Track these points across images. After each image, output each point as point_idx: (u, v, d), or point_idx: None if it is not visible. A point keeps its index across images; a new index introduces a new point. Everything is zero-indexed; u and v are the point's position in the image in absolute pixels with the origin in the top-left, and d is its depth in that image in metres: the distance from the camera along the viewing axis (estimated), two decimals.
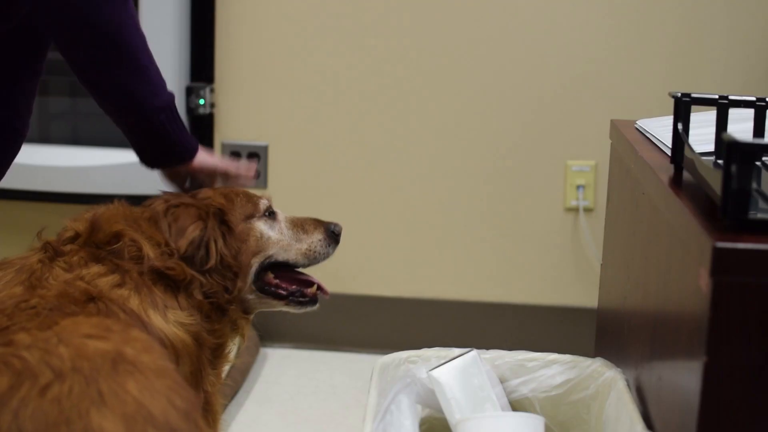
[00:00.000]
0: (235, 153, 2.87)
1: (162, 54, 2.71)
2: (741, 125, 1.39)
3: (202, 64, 2.82)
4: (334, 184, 2.85)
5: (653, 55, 2.71)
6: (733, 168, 1.05)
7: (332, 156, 2.83)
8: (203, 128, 2.85)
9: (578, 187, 2.76)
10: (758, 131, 1.38)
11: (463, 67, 2.76)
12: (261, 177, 2.87)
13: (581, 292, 2.79)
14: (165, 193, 1.59)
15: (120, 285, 1.34)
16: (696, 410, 1.07)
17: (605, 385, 1.54)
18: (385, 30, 2.76)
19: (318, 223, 1.63)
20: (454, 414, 1.54)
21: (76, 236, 1.42)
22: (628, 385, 1.48)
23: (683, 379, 1.15)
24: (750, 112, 1.40)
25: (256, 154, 2.86)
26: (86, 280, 1.32)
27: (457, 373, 1.56)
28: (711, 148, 1.38)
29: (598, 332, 1.84)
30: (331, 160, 2.83)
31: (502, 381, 1.62)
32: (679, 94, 1.37)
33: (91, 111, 2.83)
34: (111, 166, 2.76)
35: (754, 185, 1.18)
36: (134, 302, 1.33)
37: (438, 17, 2.75)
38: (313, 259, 1.61)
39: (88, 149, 2.79)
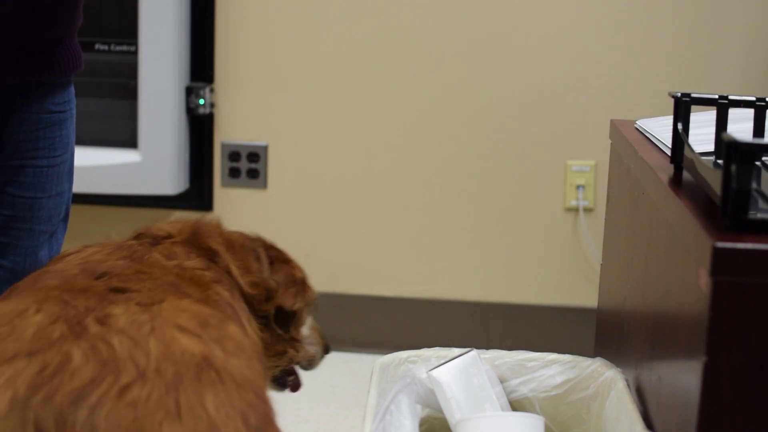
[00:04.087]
0: (234, 153, 2.87)
1: (162, 54, 2.71)
2: (741, 125, 1.39)
3: (202, 64, 2.82)
4: (334, 184, 2.85)
5: (653, 55, 2.71)
6: (733, 168, 1.05)
7: (332, 156, 2.83)
8: (203, 128, 2.85)
9: (578, 187, 2.76)
10: (758, 131, 1.38)
11: (463, 67, 2.76)
12: (261, 177, 2.87)
13: (581, 292, 2.79)
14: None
15: (217, 282, 1.34)
16: (696, 410, 1.07)
17: (605, 385, 1.54)
18: (385, 30, 2.76)
19: (321, 338, 1.69)
20: (454, 414, 1.54)
21: (170, 237, 1.41)
22: (628, 385, 1.48)
23: (683, 379, 1.15)
24: (750, 112, 1.40)
25: (256, 154, 2.86)
26: (189, 269, 1.32)
27: (457, 373, 1.56)
28: (711, 148, 1.38)
29: (598, 332, 1.84)
30: (331, 160, 2.83)
31: (501, 381, 1.62)
32: (679, 94, 1.37)
33: (91, 111, 2.83)
34: (111, 166, 2.76)
35: (754, 185, 1.18)
36: (233, 301, 1.35)
37: (438, 17, 2.75)
38: (307, 366, 1.65)
39: (88, 149, 2.79)
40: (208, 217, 1.54)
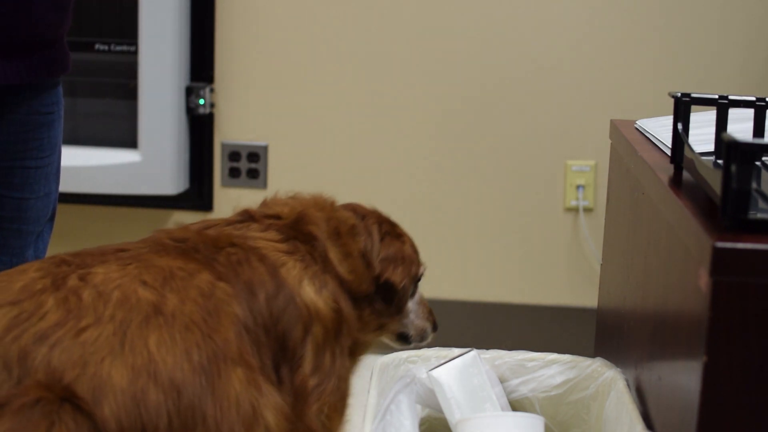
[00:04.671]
0: (234, 153, 2.87)
1: (162, 54, 2.71)
2: (741, 125, 1.39)
3: (202, 64, 2.82)
4: (334, 184, 2.85)
5: (653, 55, 2.71)
6: (733, 168, 1.05)
7: (332, 156, 2.83)
8: (203, 128, 2.85)
9: (578, 187, 2.76)
10: (758, 131, 1.38)
11: (463, 67, 2.76)
12: (261, 177, 2.87)
13: (581, 292, 2.79)
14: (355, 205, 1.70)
15: (289, 253, 1.44)
16: (696, 410, 1.07)
17: (605, 385, 1.54)
18: (385, 30, 2.77)
19: (430, 314, 1.73)
20: (453, 414, 1.54)
21: (278, 217, 1.51)
22: (628, 385, 1.48)
23: (683, 379, 1.15)
24: (750, 112, 1.40)
25: (256, 154, 2.86)
26: (247, 235, 1.44)
27: (457, 373, 1.56)
28: (711, 148, 1.38)
29: (598, 332, 1.84)
30: (331, 160, 2.83)
31: (501, 381, 1.62)
32: (679, 94, 1.37)
33: (91, 111, 2.83)
34: (111, 166, 2.76)
35: (754, 185, 1.18)
36: (291, 269, 1.42)
37: (438, 18, 2.75)
38: (419, 340, 1.70)
39: (88, 149, 2.79)
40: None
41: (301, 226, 1.50)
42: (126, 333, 1.18)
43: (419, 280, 1.67)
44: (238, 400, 1.25)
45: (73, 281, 1.22)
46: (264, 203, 1.56)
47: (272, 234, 1.47)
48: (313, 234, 1.50)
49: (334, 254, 1.50)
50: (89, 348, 1.15)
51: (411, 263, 1.63)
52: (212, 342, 1.24)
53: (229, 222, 1.48)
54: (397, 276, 1.57)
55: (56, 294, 1.20)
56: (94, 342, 1.16)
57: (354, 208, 1.68)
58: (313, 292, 1.43)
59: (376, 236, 1.61)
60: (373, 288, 1.55)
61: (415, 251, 1.67)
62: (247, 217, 1.50)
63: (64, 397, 1.11)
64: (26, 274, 1.23)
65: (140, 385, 1.15)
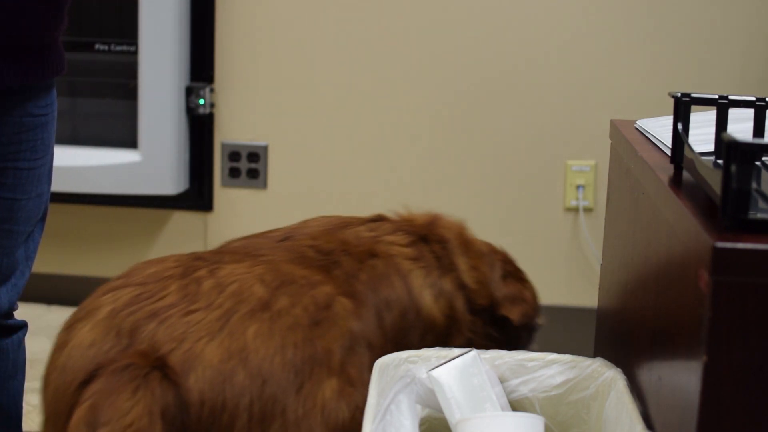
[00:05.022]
0: (235, 153, 2.87)
1: (162, 54, 2.71)
2: (741, 125, 1.39)
3: (202, 64, 2.82)
4: (334, 184, 2.85)
5: (653, 55, 2.71)
6: (733, 168, 1.05)
7: (332, 156, 2.83)
8: (203, 128, 2.85)
9: (578, 187, 2.76)
10: (758, 131, 1.38)
11: (462, 67, 2.76)
12: (261, 177, 2.87)
13: (581, 292, 2.79)
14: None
15: (413, 259, 1.53)
16: (696, 410, 1.07)
17: (605, 385, 1.54)
18: (384, 30, 2.77)
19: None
20: (454, 414, 1.54)
21: (410, 220, 1.61)
22: (628, 385, 1.48)
23: (683, 379, 1.15)
24: (750, 112, 1.40)
25: (256, 154, 2.87)
26: (382, 241, 1.55)
27: (457, 373, 1.56)
28: (711, 148, 1.38)
29: (598, 332, 1.84)
30: (331, 160, 2.83)
31: (501, 381, 1.62)
32: (679, 94, 1.37)
33: (91, 111, 2.83)
34: (111, 166, 2.76)
35: (754, 185, 1.18)
36: (416, 278, 1.51)
37: (438, 17, 2.75)
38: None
39: (88, 149, 2.79)
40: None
41: (433, 229, 1.59)
42: (229, 320, 1.29)
43: (535, 330, 1.71)
44: (324, 405, 1.31)
45: (200, 273, 1.35)
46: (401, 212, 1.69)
47: (401, 237, 1.55)
48: (445, 237, 1.59)
49: (461, 262, 1.58)
50: (191, 327, 1.27)
51: (530, 307, 1.69)
52: (312, 347, 1.32)
53: (363, 221, 1.58)
54: (514, 313, 1.64)
55: (180, 281, 1.33)
56: (197, 323, 1.28)
57: (487, 244, 1.78)
58: (431, 301, 1.50)
59: (498, 270, 1.69)
60: (487, 304, 1.62)
61: (536, 301, 1.73)
62: (379, 217, 1.60)
63: (156, 365, 1.23)
64: (163, 264, 1.37)
65: (229, 366, 1.25)
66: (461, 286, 1.55)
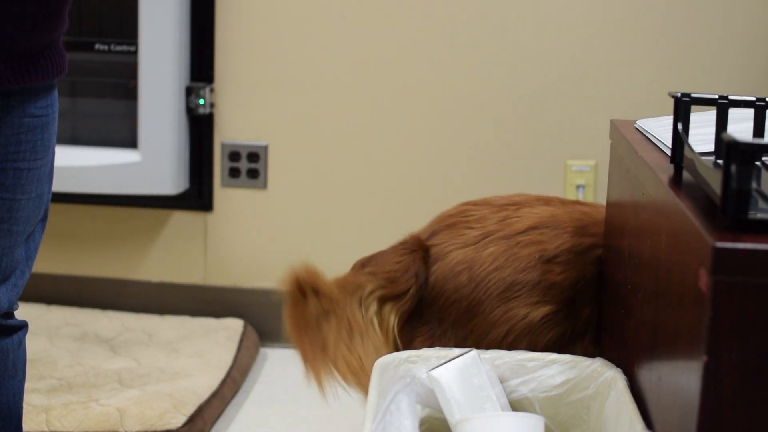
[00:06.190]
0: (234, 153, 2.87)
1: (162, 54, 2.71)
2: (741, 125, 1.39)
3: (202, 64, 2.82)
4: (334, 184, 2.85)
5: (653, 55, 2.71)
6: (733, 168, 1.05)
7: (332, 156, 2.83)
8: (203, 128, 2.85)
9: (578, 187, 2.76)
10: (758, 131, 1.38)
11: (462, 67, 2.76)
12: (261, 177, 2.87)
13: None
14: None
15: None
16: (696, 410, 1.07)
17: (605, 385, 1.55)
18: (385, 30, 2.77)
19: None
20: (454, 414, 1.54)
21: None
22: (628, 385, 1.48)
23: (683, 379, 1.15)
24: (750, 112, 1.40)
25: (256, 154, 2.86)
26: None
27: (457, 373, 1.56)
28: (711, 148, 1.38)
29: (598, 332, 1.84)
30: (331, 160, 2.83)
31: (501, 381, 1.62)
32: (679, 94, 1.37)
33: (91, 111, 2.83)
34: (111, 166, 2.76)
35: (754, 185, 1.18)
36: None
37: (438, 17, 2.75)
38: None
39: (88, 149, 2.79)
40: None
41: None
42: (483, 239, 1.71)
43: None
44: (529, 322, 1.67)
45: (509, 211, 1.78)
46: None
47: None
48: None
49: None
50: (460, 237, 1.73)
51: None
52: (533, 276, 1.68)
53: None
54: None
55: (496, 212, 1.77)
56: (464, 235, 1.73)
57: None
58: None
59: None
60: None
61: None
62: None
63: (424, 249, 1.75)
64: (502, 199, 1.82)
65: (459, 268, 1.68)
66: None
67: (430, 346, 1.68)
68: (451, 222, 1.78)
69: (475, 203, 1.83)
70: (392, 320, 1.74)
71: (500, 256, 1.69)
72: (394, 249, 1.78)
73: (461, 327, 1.70)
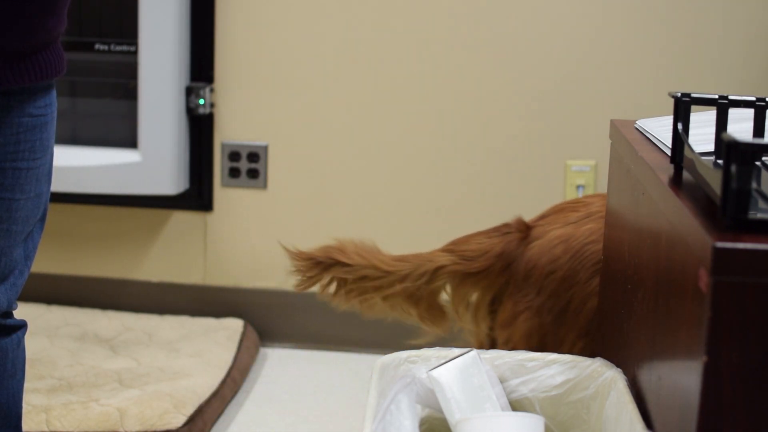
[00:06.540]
0: (234, 153, 2.87)
1: (162, 54, 2.71)
2: (741, 125, 1.39)
3: (202, 64, 2.82)
4: (335, 184, 2.85)
5: (653, 55, 2.71)
6: (733, 168, 1.05)
7: (332, 156, 2.83)
8: (203, 128, 2.85)
9: (578, 187, 2.76)
10: (758, 131, 1.38)
11: (462, 67, 2.76)
12: (261, 177, 2.87)
13: None
14: None
15: None
16: (696, 410, 1.07)
17: (605, 385, 1.55)
18: (385, 30, 2.77)
19: None
20: (454, 414, 1.54)
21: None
22: (628, 385, 1.48)
23: (683, 379, 1.15)
24: (750, 112, 1.40)
25: (256, 154, 2.86)
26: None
27: (457, 373, 1.56)
28: (711, 148, 1.38)
29: (598, 332, 1.84)
30: (331, 160, 2.83)
31: (501, 381, 1.62)
32: (679, 94, 1.37)
33: (91, 111, 2.83)
34: (111, 166, 2.76)
35: (754, 185, 1.18)
36: None
37: (437, 16, 2.75)
38: None
39: (88, 149, 2.79)
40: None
41: None
42: (583, 219, 1.79)
43: None
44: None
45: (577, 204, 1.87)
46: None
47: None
48: None
49: None
50: (562, 219, 1.81)
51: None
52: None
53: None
54: None
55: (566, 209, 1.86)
56: (567, 217, 1.81)
57: None
58: None
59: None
60: None
61: None
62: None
63: (523, 231, 1.84)
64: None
65: (555, 242, 1.77)
66: None
67: (532, 317, 1.77)
68: (561, 208, 1.87)
69: (589, 195, 1.90)
70: (474, 296, 1.86)
71: (596, 232, 1.75)
72: (486, 231, 1.87)
73: (558, 297, 1.76)
